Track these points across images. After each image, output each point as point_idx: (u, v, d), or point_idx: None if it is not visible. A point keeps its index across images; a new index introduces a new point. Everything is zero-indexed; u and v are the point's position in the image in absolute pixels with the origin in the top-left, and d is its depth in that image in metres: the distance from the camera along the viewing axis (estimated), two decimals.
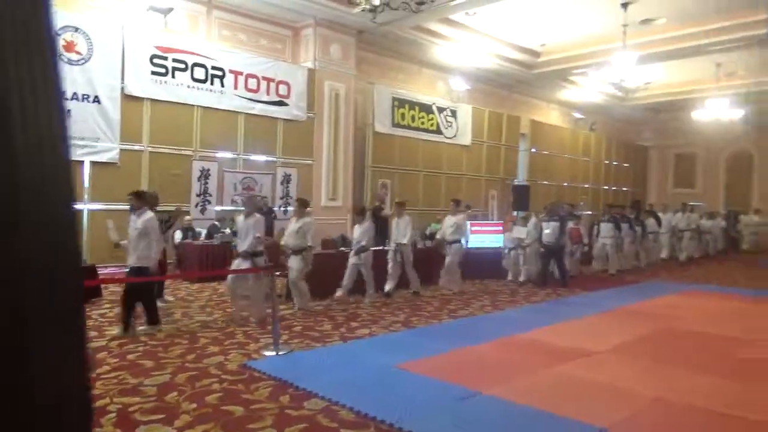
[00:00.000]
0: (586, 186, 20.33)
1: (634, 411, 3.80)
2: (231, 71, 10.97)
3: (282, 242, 7.62)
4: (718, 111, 17.38)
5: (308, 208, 7.85)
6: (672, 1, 12.62)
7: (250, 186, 11.31)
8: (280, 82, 11.72)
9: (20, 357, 0.59)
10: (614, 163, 21.89)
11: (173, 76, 10.15)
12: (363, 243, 7.88)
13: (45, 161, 0.62)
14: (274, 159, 11.87)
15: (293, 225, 7.48)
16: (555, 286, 9.79)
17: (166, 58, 10.03)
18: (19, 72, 0.61)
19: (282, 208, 11.78)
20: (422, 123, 14.62)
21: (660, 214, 15.25)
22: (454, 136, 15.46)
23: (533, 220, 10.66)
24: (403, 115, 14.15)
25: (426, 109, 14.73)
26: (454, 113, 15.44)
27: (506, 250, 10.69)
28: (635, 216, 13.90)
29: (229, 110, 11.02)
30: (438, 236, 9.80)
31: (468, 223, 11.78)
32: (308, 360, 5.07)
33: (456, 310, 7.58)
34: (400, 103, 14.07)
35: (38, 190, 0.61)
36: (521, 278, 10.30)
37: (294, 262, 7.29)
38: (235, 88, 11.05)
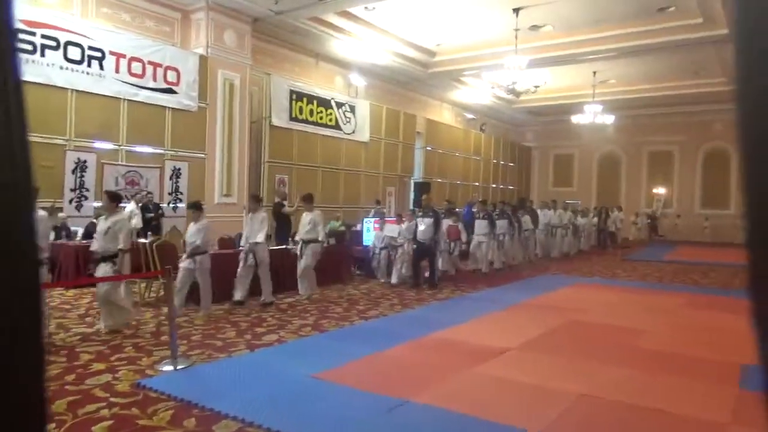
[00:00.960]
0: (476, 184, 21.07)
1: (563, 409, 3.79)
2: (112, 53, 9.89)
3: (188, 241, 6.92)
4: (593, 116, 18.74)
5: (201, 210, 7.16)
6: (557, 10, 13.30)
7: (135, 180, 10.30)
8: (169, 67, 10.79)
9: None
10: (502, 162, 22.91)
11: (42, 55, 8.93)
12: (197, 242, 6.73)
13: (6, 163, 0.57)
14: (162, 151, 10.91)
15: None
16: (423, 287, 9.28)
17: (33, 34, 8.79)
18: None
19: (171, 205, 10.87)
20: (321, 118, 14.24)
21: (538, 211, 15.55)
22: (353, 132, 15.26)
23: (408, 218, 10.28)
24: (301, 108, 13.68)
25: (324, 103, 14.37)
26: (352, 109, 15.22)
27: (377, 250, 10.05)
28: (512, 212, 13.31)
29: (109, 96, 9.93)
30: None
31: (368, 220, 11.66)
32: (213, 374, 4.57)
33: (365, 311, 7.35)
34: (297, 96, 13.59)
35: None
36: (393, 280, 9.63)
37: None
38: (117, 71, 9.99)
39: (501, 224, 11.73)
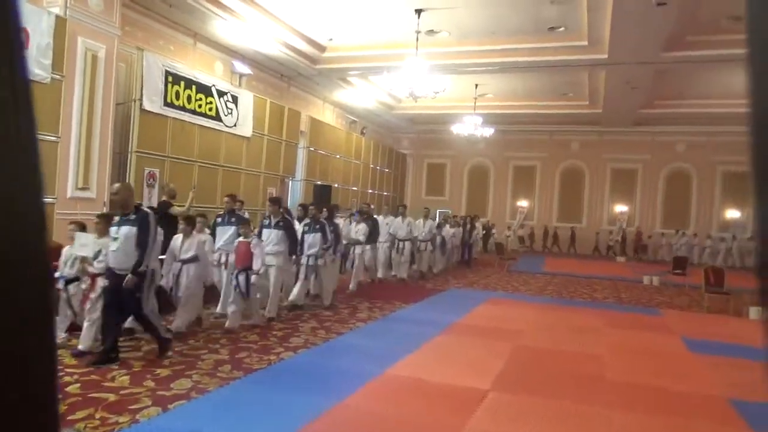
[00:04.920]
0: (355, 189, 20.36)
1: None
2: None
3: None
4: (471, 127, 19.03)
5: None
6: (456, 17, 13.08)
7: None
8: None
9: None
10: (379, 168, 22.48)
11: None
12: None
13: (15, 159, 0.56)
14: None
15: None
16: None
17: None
18: None
19: None
20: (200, 106, 12.45)
21: (380, 219, 12.21)
22: (235, 125, 13.63)
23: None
24: (177, 93, 11.80)
25: (205, 90, 12.61)
26: (235, 99, 13.60)
27: None
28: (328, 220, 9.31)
29: None
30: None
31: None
32: None
33: (286, 338, 6.13)
34: (175, 78, 11.70)
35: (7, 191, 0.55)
36: (291, 297, 7.94)
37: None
38: None
39: (312, 239, 8.07)
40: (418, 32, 12.81)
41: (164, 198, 8.10)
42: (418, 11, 12.55)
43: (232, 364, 5.05)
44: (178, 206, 8.28)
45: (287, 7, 12.75)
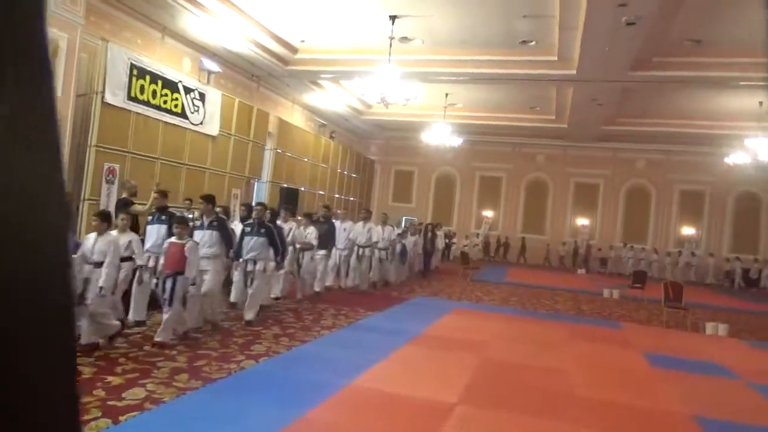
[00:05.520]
0: (322, 193, 20.15)
1: None
2: None
3: None
4: (441, 136, 19.08)
5: None
6: (430, 25, 13.09)
7: None
8: None
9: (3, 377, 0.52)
10: (346, 172, 22.34)
11: None
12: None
13: (40, 163, 0.58)
14: None
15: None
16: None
17: None
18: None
19: None
20: (165, 102, 12.08)
21: (337, 224, 11.26)
22: (201, 123, 13.28)
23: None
24: (142, 87, 11.42)
25: (171, 86, 12.24)
26: (202, 97, 13.26)
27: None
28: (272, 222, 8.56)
29: None
30: None
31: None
32: None
33: (248, 345, 5.92)
34: (140, 72, 11.32)
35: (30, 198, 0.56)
36: (232, 298, 7.71)
37: None
38: None
39: (254, 243, 7.29)
40: (391, 38, 12.77)
41: (124, 195, 7.77)
42: (393, 17, 12.51)
43: (190, 372, 4.83)
44: (140, 204, 7.95)
45: (260, 5, 12.54)
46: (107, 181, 10.70)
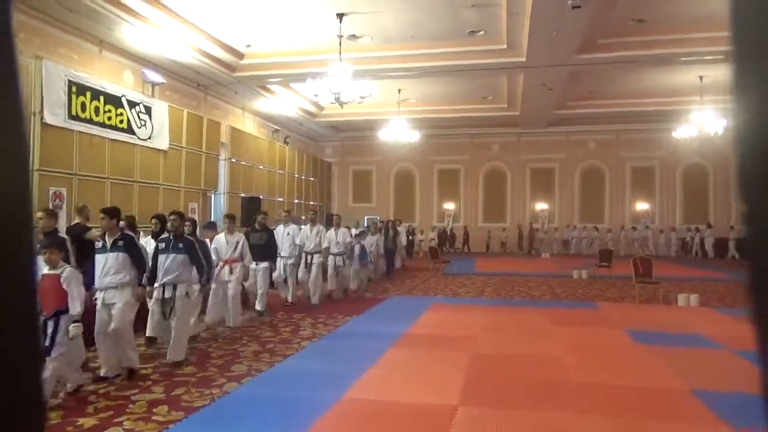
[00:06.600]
0: (281, 199, 19.72)
1: None
2: None
3: None
4: (397, 132, 18.96)
5: None
6: (377, 21, 12.92)
7: None
8: None
9: None
10: (304, 177, 21.96)
11: None
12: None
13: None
14: None
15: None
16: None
17: None
18: None
19: None
20: (109, 118, 11.49)
21: (279, 229, 10.14)
22: (149, 137, 12.72)
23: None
24: (83, 105, 10.82)
25: (114, 101, 11.65)
26: (148, 110, 12.69)
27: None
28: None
29: None
30: None
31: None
32: None
33: (227, 366, 5.59)
34: (79, 89, 10.71)
35: None
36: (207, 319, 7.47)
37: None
38: None
39: (170, 262, 6.08)
40: (340, 37, 12.53)
41: (77, 220, 7.25)
42: (340, 15, 12.28)
43: (170, 403, 4.48)
44: (95, 228, 7.46)
45: (201, 12, 12.08)
46: (54, 207, 10.06)
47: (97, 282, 5.26)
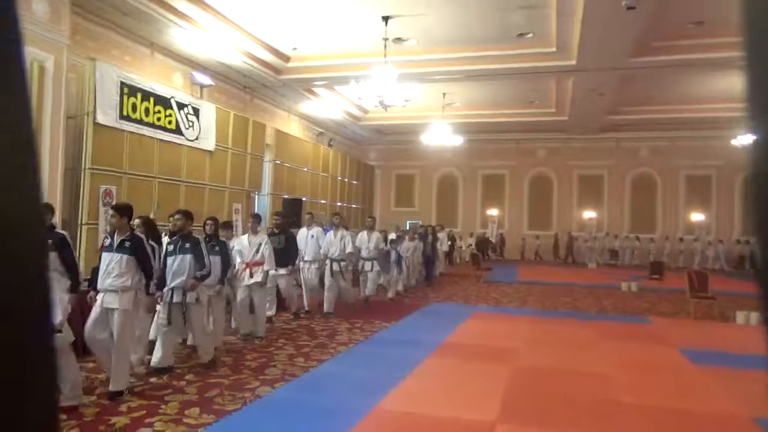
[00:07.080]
0: (323, 202, 19.80)
1: None
2: None
3: None
4: (441, 137, 18.73)
5: None
6: (424, 24, 12.77)
7: None
8: None
9: None
10: (347, 180, 22.00)
11: None
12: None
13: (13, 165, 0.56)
14: None
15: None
16: None
17: None
18: None
19: None
20: (158, 119, 11.74)
21: (303, 232, 9.69)
22: (196, 138, 12.94)
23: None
24: (134, 105, 11.08)
25: (163, 102, 11.90)
26: (196, 112, 12.92)
27: None
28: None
29: None
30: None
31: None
32: None
33: (262, 369, 5.54)
34: (131, 90, 10.98)
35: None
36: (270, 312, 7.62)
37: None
38: None
39: (179, 265, 5.74)
40: (386, 39, 12.45)
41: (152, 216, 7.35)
42: (386, 18, 12.19)
43: (202, 405, 4.44)
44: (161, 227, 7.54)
45: (249, 15, 12.22)
46: (105, 204, 10.33)
47: (99, 282, 4.86)
